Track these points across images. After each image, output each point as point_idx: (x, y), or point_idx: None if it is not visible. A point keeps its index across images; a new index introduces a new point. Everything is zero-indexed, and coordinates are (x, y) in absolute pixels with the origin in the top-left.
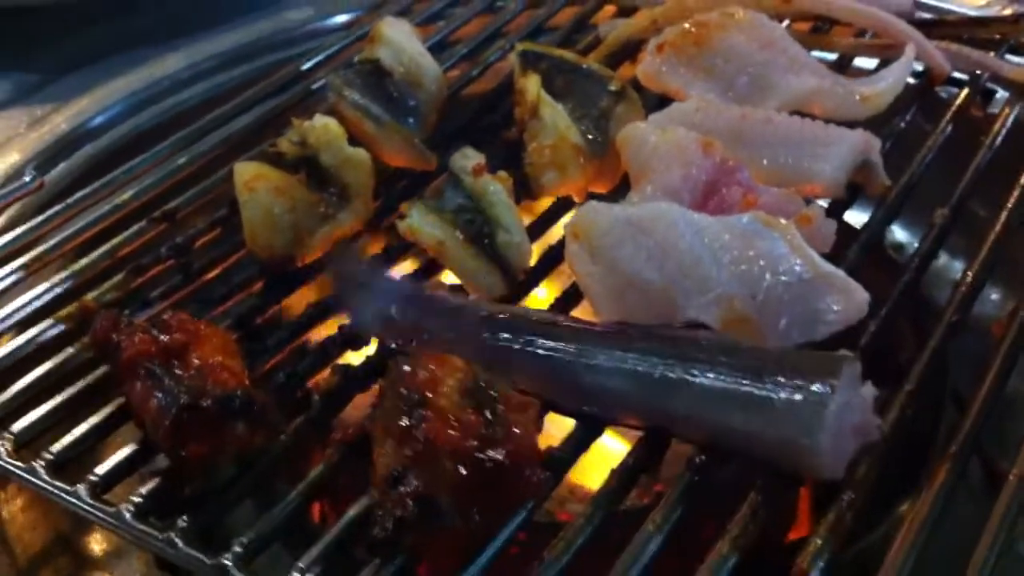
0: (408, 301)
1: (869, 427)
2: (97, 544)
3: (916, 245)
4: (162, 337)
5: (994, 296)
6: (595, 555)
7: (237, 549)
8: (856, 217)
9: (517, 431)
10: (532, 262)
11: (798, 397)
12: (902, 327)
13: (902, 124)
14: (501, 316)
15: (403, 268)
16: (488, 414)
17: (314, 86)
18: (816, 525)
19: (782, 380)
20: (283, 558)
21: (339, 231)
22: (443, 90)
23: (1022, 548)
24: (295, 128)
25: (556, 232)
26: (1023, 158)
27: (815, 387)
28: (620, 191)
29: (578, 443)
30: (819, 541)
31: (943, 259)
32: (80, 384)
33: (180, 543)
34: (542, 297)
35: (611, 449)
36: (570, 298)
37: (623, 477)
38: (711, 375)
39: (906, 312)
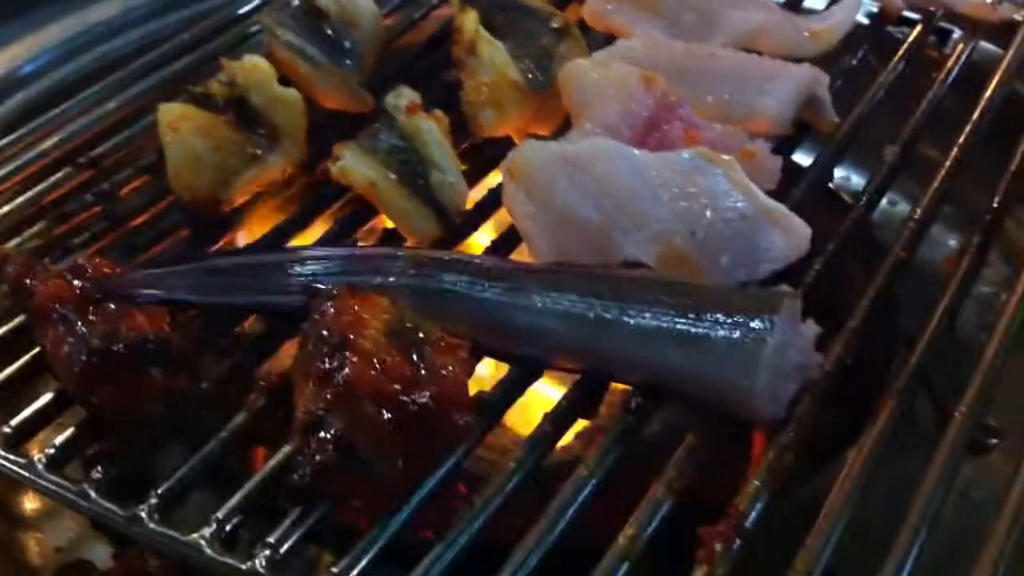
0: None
1: (810, 366)
2: (29, 503)
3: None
4: (76, 282)
5: (949, 241)
6: (532, 504)
7: (152, 500)
8: (803, 158)
9: (445, 374)
10: (470, 205)
11: (736, 335)
12: (852, 269)
13: (853, 62)
14: (429, 257)
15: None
16: (414, 356)
17: (250, 30)
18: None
19: (720, 318)
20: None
21: (268, 173)
22: (380, 32)
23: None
24: (225, 69)
25: (496, 176)
26: (976, 96)
27: (753, 324)
28: (562, 132)
29: (511, 387)
30: (757, 483)
31: (894, 201)
32: None
33: (93, 494)
34: (481, 242)
35: (552, 396)
36: (508, 240)
37: (557, 420)
38: (648, 314)
39: (855, 254)
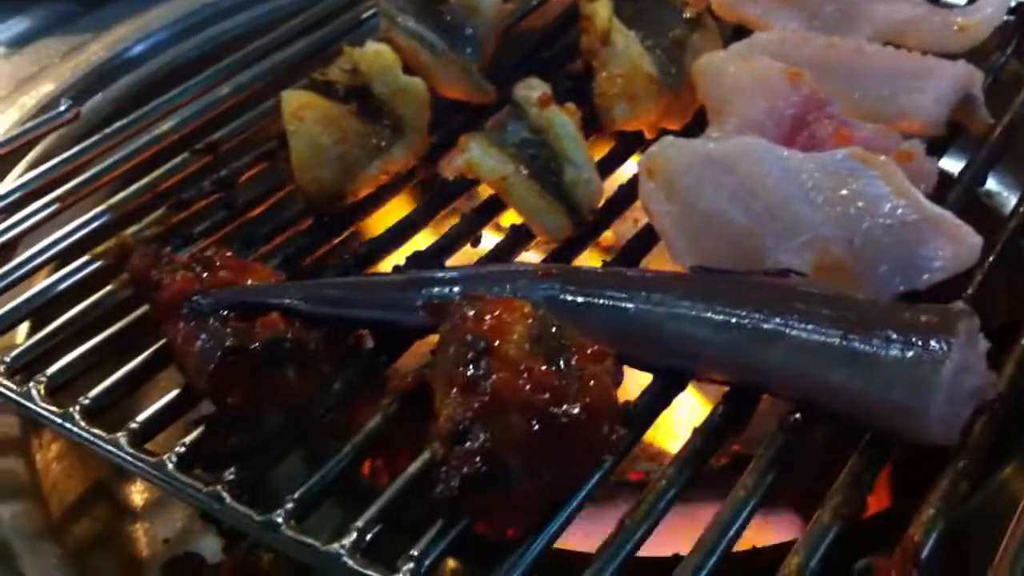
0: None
1: (986, 388)
2: (138, 494)
3: (1006, 193)
4: (205, 275)
5: None
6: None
7: (289, 505)
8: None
9: (593, 383)
10: (602, 200)
11: (910, 355)
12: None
13: (1002, 59)
14: (562, 270)
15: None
16: (560, 364)
17: (365, 15)
18: (927, 493)
19: (891, 335)
20: (334, 517)
21: (392, 165)
22: (501, 18)
23: None
24: (346, 55)
25: (624, 172)
26: None
27: (930, 344)
28: (692, 127)
29: (657, 398)
30: (932, 510)
31: None
32: (118, 325)
33: (227, 498)
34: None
35: (683, 406)
36: (643, 241)
37: (709, 435)
38: (809, 327)
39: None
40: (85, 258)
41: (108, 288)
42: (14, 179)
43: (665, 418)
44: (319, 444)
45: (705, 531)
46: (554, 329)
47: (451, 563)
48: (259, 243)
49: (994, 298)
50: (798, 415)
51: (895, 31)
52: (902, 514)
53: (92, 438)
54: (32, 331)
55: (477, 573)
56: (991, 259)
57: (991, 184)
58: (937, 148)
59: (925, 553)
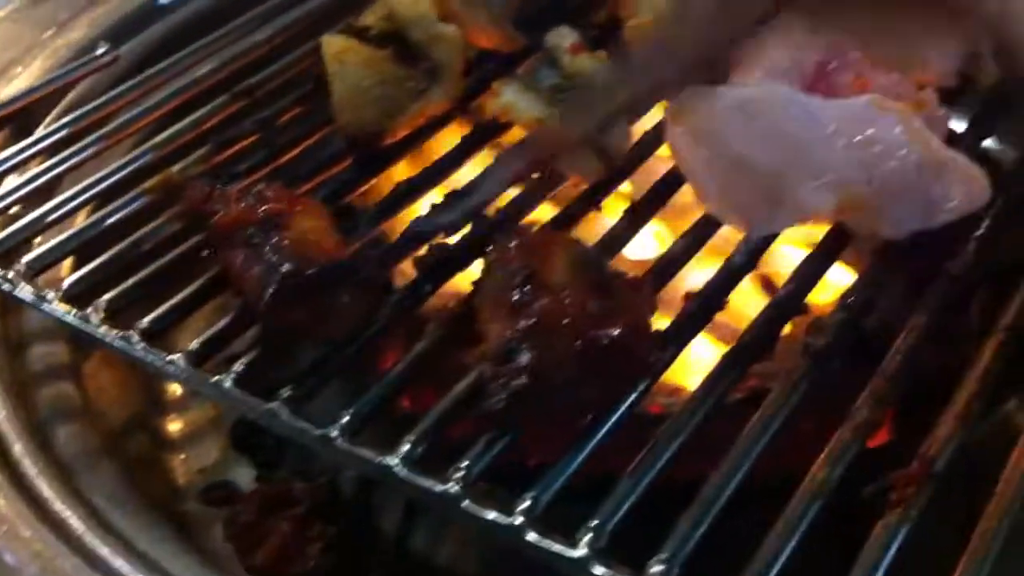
0: None
1: None
2: (175, 424)
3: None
4: (261, 206)
5: None
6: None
7: (343, 420)
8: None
9: (631, 310)
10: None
11: None
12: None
13: None
14: None
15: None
16: (602, 290)
17: None
18: (940, 415)
19: None
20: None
21: (429, 108)
22: None
23: None
24: (381, 2)
25: (650, 117)
26: None
27: None
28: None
29: (687, 324)
30: (947, 429)
31: None
32: (169, 256)
33: (284, 413)
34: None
35: (701, 345)
36: (670, 185)
37: (732, 365)
38: None
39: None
40: (132, 193)
41: (158, 221)
42: (55, 120)
43: (683, 358)
44: (365, 370)
45: (729, 452)
46: (595, 260)
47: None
48: (300, 181)
49: (1003, 240)
50: (820, 340)
51: None
52: (903, 450)
53: (153, 358)
54: (79, 264)
55: (513, 493)
56: (999, 203)
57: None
58: (949, 98)
59: (939, 467)
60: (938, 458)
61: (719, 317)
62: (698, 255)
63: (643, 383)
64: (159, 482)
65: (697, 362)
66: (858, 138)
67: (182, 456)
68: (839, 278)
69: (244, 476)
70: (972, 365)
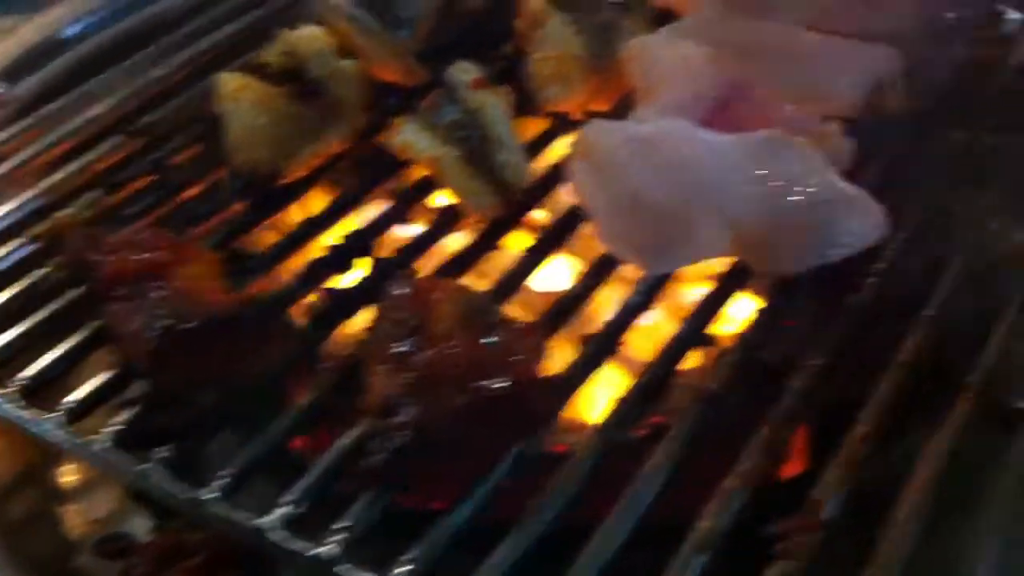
0: None
1: None
2: (69, 476)
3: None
4: (143, 255)
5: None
6: (595, 489)
7: (218, 481)
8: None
9: (520, 358)
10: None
11: None
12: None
13: (918, 42)
14: None
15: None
16: (489, 340)
17: None
18: (828, 457)
19: None
20: (269, 492)
21: (328, 146)
22: None
23: None
24: (281, 38)
25: (555, 151)
26: None
27: None
28: (621, 109)
29: (580, 370)
30: (836, 472)
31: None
32: (53, 306)
33: (157, 475)
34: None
35: (605, 379)
36: (571, 220)
37: (627, 407)
38: None
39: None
40: (19, 240)
41: (43, 270)
42: None
43: (587, 392)
44: (254, 420)
45: (618, 503)
46: (483, 307)
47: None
48: (194, 224)
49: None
50: (712, 386)
51: (818, 13)
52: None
53: (29, 416)
54: None
55: (403, 544)
56: (900, 236)
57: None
58: (856, 129)
59: (827, 514)
60: (826, 505)
61: (624, 350)
62: (598, 292)
63: (534, 433)
64: (50, 536)
65: (603, 396)
66: (758, 173)
67: (76, 507)
68: (744, 308)
69: (141, 527)
70: (865, 405)
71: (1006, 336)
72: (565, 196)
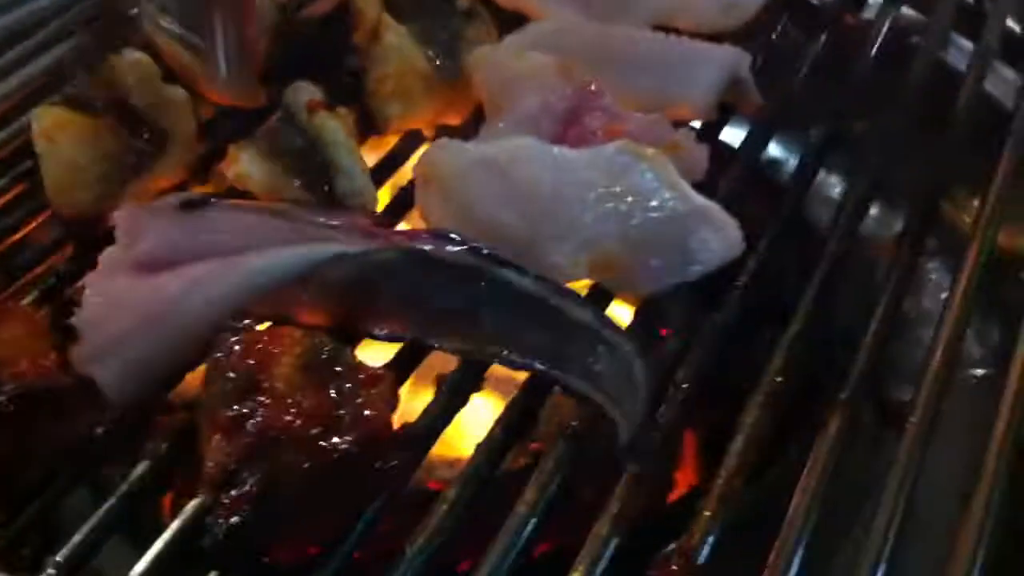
0: None
1: None
2: None
3: (793, 162)
4: None
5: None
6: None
7: (51, 570)
8: (732, 134)
9: (368, 412)
10: (380, 207)
11: None
12: (789, 260)
13: (773, 36)
14: None
15: None
16: (333, 393)
17: (130, 12)
18: (703, 494)
19: None
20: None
21: (156, 182)
22: (273, 12)
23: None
24: (102, 66)
25: (407, 172)
26: (900, 68)
27: None
28: (473, 122)
29: (439, 416)
30: (708, 513)
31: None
32: None
33: None
34: None
35: (479, 409)
36: None
37: (491, 451)
38: None
39: (789, 237)
40: None
41: None
42: None
43: (458, 426)
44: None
45: (489, 547)
46: (326, 355)
47: None
48: (16, 274)
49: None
50: (576, 423)
51: (666, 14)
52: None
53: None
54: None
55: None
56: (765, 243)
57: (775, 151)
58: (712, 130)
59: (701, 558)
60: (699, 549)
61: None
62: None
63: (388, 491)
64: None
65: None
66: (611, 190)
67: None
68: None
69: None
70: (733, 434)
71: (879, 336)
72: (418, 221)
